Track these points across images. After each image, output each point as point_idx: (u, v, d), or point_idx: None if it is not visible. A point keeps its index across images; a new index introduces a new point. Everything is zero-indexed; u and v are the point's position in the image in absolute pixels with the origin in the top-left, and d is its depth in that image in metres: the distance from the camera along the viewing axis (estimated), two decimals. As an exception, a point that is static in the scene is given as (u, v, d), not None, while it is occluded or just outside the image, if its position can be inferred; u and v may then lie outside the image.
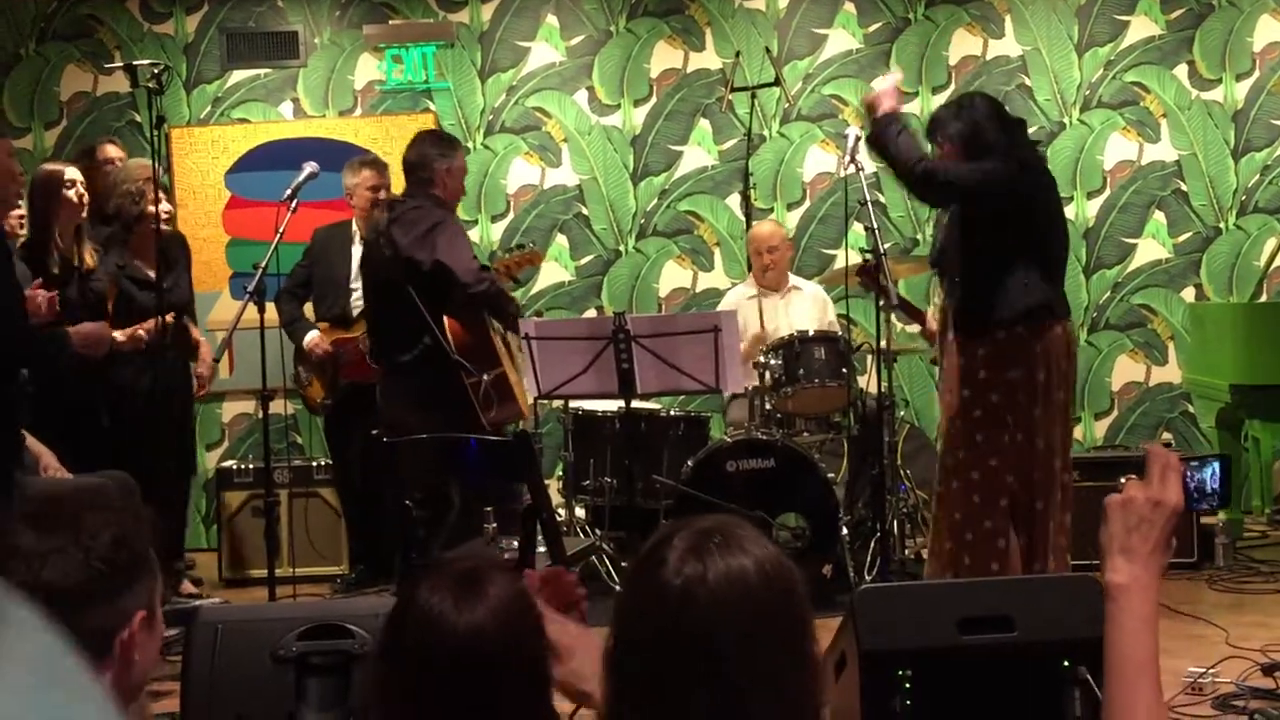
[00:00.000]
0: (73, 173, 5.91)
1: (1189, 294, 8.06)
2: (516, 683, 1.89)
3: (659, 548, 1.60)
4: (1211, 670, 4.65)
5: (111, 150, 6.90)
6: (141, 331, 5.99)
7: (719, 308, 7.24)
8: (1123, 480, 1.70)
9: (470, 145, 8.17)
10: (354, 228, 6.90)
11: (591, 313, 8.09)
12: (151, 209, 6.20)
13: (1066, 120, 8.03)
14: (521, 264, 6.37)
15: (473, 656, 1.86)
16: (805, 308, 6.97)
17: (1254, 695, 4.49)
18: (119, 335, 5.90)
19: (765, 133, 8.13)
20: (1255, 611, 5.68)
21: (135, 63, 6.05)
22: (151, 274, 6.24)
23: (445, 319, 5.66)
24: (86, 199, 5.94)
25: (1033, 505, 4.92)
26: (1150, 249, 8.09)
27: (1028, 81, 8.08)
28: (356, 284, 6.79)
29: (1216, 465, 1.90)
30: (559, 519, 5.96)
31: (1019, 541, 4.94)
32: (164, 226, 6.22)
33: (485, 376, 5.48)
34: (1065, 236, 5.17)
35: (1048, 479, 4.92)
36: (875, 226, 5.33)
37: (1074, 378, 5.08)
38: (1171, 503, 1.67)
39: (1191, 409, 7.92)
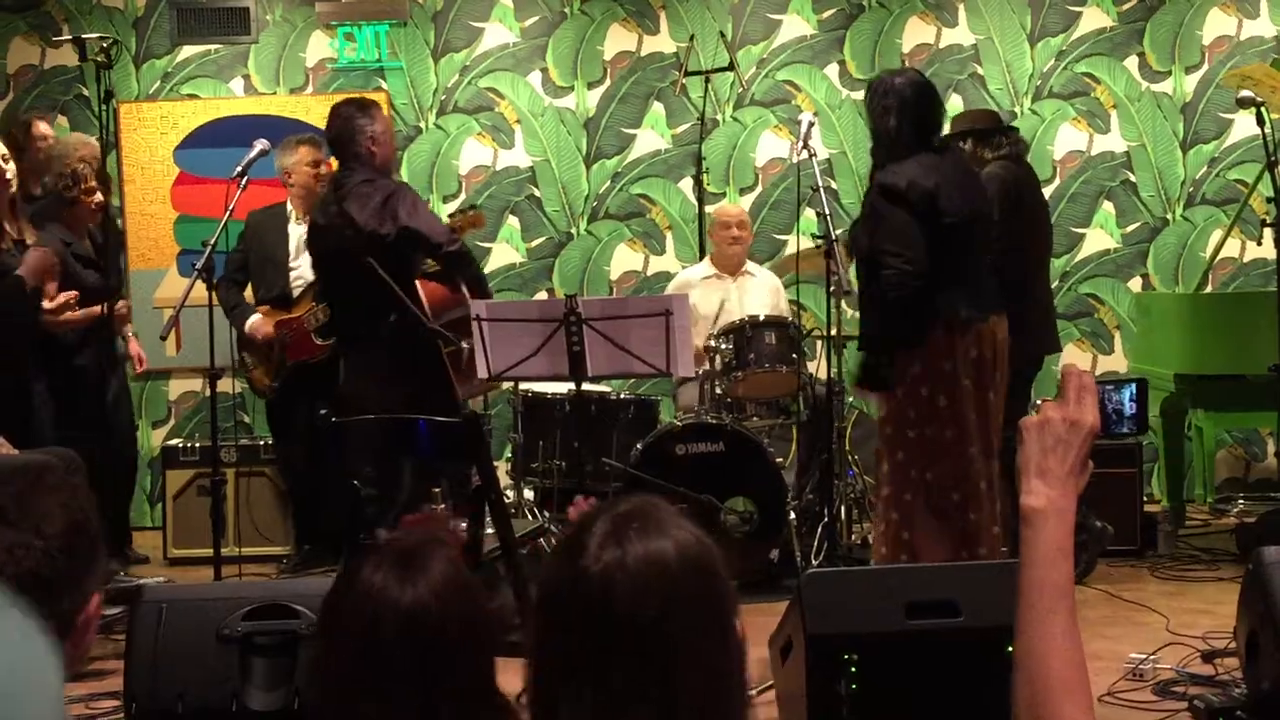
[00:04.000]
0: (1, 148, 5.82)
1: (1136, 284, 8.13)
2: (459, 659, 1.89)
3: (579, 534, 1.60)
4: (1152, 656, 4.70)
5: (42, 127, 6.82)
6: (95, 310, 5.95)
7: (670, 288, 7.24)
8: (1038, 402, 1.69)
9: (422, 125, 8.13)
10: (289, 208, 6.85)
11: (543, 295, 8.07)
12: (93, 195, 6.14)
13: (1018, 110, 8.07)
14: (465, 226, 6.35)
15: (415, 632, 1.86)
16: (758, 293, 6.97)
17: (1194, 681, 4.54)
18: (69, 312, 5.85)
19: (719, 117, 8.12)
20: (1196, 599, 5.74)
21: (83, 36, 5.99)
22: (91, 253, 6.20)
23: (420, 286, 5.65)
24: (12, 173, 5.82)
25: (958, 499, 4.99)
26: (1098, 239, 8.15)
27: (980, 70, 8.12)
28: (296, 264, 6.75)
29: (1134, 387, 1.87)
30: (507, 501, 5.96)
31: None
32: (97, 211, 6.19)
33: (464, 345, 5.44)
34: (972, 233, 5.15)
35: (972, 472, 4.98)
36: (828, 212, 5.35)
37: (1000, 372, 5.11)
38: (1088, 423, 1.63)
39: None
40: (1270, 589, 4.12)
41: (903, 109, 5.03)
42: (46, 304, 5.73)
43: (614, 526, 1.59)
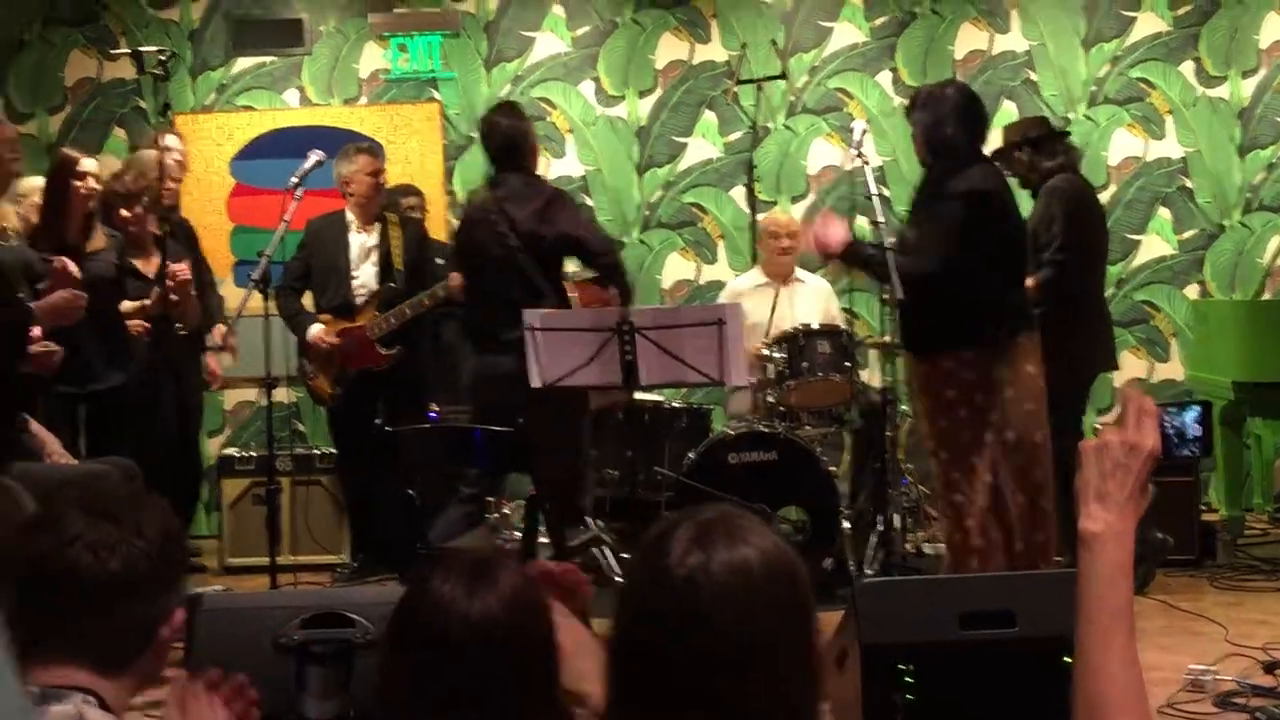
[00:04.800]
0: (89, 164, 5.87)
1: (1193, 291, 8.06)
2: (527, 671, 1.90)
3: (663, 539, 1.61)
4: (1212, 668, 4.65)
5: (169, 140, 6.75)
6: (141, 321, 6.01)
7: (721, 297, 7.24)
8: (1097, 425, 1.68)
9: (475, 135, 8.15)
10: (349, 216, 6.86)
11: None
12: (125, 208, 6.16)
13: (1072, 116, 8.02)
14: None
15: (484, 644, 1.86)
16: (810, 300, 6.96)
17: (1255, 693, 4.49)
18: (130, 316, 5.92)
19: (770, 125, 8.12)
20: (1256, 609, 5.67)
21: (141, 49, 6.05)
22: (141, 266, 6.24)
23: (573, 292, 5.68)
24: (97, 189, 5.87)
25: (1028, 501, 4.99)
26: (1155, 245, 8.08)
27: (1033, 77, 8.07)
28: (358, 273, 6.78)
29: (1198, 410, 1.84)
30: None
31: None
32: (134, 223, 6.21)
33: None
34: (1024, 245, 5.28)
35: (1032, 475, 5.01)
36: (880, 220, 5.32)
37: (1041, 384, 5.12)
38: (1147, 446, 1.62)
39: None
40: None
41: (958, 117, 5.07)
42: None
43: (698, 533, 1.59)
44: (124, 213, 6.12)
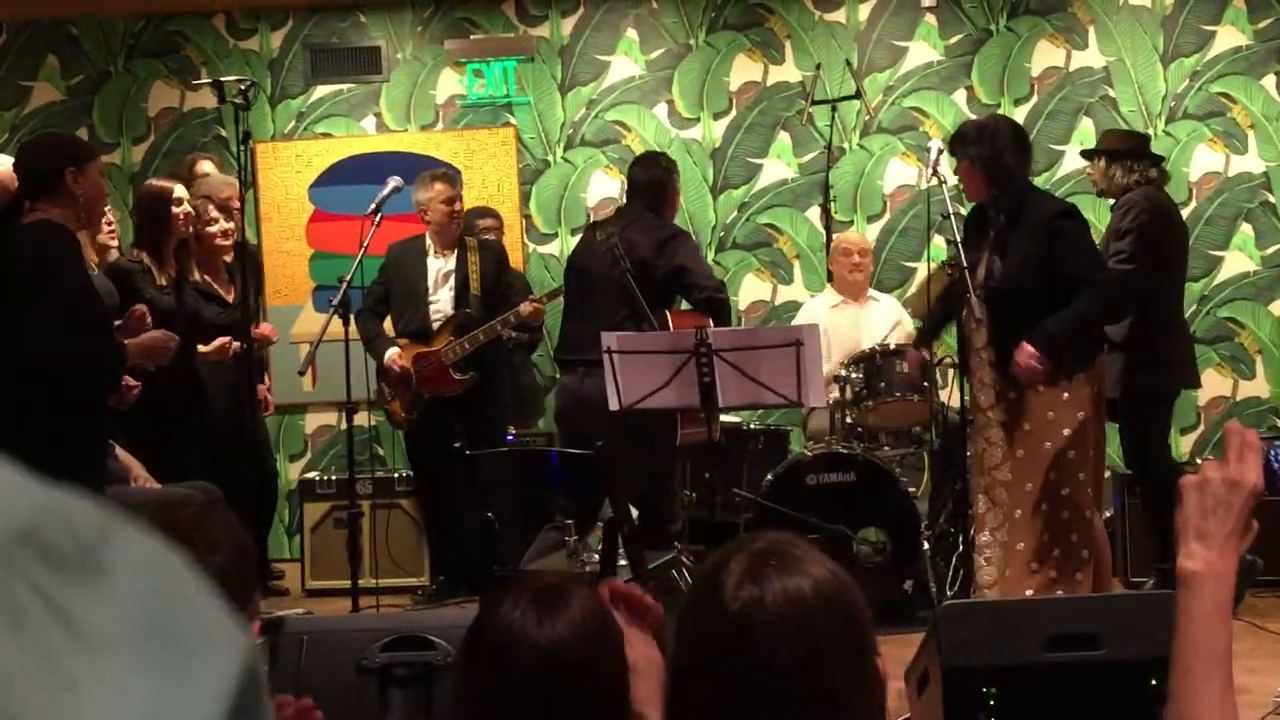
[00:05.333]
0: (180, 190, 5.99)
1: (1277, 307, 7.94)
2: (597, 698, 1.90)
3: (715, 572, 1.59)
4: (1302, 690, 4.58)
5: (205, 166, 6.99)
6: (225, 345, 6.10)
7: (797, 318, 7.23)
8: (1199, 461, 1.65)
9: (550, 159, 8.21)
10: (428, 242, 6.92)
11: (671, 326, 8.09)
12: (210, 229, 6.28)
13: (1152, 132, 7.93)
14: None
15: (553, 671, 1.86)
16: (881, 320, 6.95)
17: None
18: (203, 348, 6.01)
19: (845, 145, 8.10)
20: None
21: (222, 79, 6.14)
22: (220, 290, 6.34)
23: (672, 319, 5.81)
24: (186, 213, 6.01)
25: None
26: (1237, 261, 7.97)
27: (1111, 93, 8.00)
28: (435, 298, 6.83)
29: None
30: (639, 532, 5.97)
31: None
32: (223, 242, 6.30)
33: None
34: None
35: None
36: (957, 239, 5.31)
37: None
38: (1250, 483, 1.57)
39: (1279, 424, 7.79)
40: None
41: (1016, 147, 5.28)
42: (202, 348, 5.89)
43: (751, 564, 1.56)
44: (209, 230, 6.24)
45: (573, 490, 5.18)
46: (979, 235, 5.33)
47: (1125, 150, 6.22)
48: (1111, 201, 6.21)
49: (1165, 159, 6.62)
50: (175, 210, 5.87)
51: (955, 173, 5.39)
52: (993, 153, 5.19)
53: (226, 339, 6.08)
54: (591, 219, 8.18)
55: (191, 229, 6.11)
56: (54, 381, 4.52)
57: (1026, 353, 5.05)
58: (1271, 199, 7.94)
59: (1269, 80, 7.94)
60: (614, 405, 5.34)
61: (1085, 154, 6.49)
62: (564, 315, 6.31)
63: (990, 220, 5.30)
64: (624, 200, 6.11)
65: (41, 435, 4.42)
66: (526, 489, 5.45)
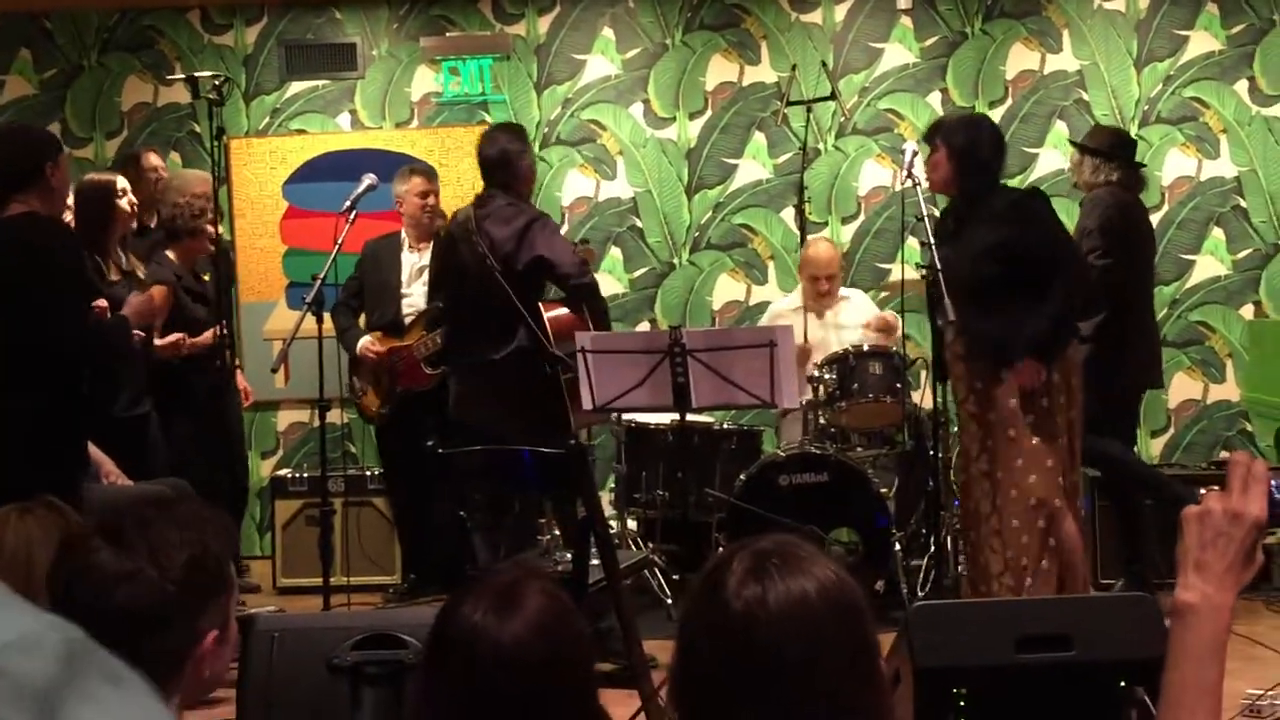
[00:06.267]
0: (123, 182, 5.97)
1: (1248, 311, 7.98)
2: (559, 695, 1.89)
3: (718, 571, 1.58)
4: (1270, 692, 4.60)
5: (154, 159, 6.98)
6: (202, 339, 6.11)
7: (764, 318, 7.23)
8: (1202, 492, 1.62)
9: (526, 157, 8.19)
10: (403, 236, 6.93)
11: (645, 325, 8.10)
12: (210, 228, 6.29)
13: (1125, 135, 7.96)
14: None
15: (514, 669, 1.86)
16: (852, 314, 6.95)
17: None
18: (174, 338, 6.02)
19: (820, 146, 8.11)
20: (1314, 633, 5.60)
21: (196, 74, 6.12)
22: (198, 285, 6.34)
23: (546, 313, 5.68)
24: (130, 206, 5.99)
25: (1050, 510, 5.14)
26: (1209, 265, 8.01)
27: (1085, 96, 8.03)
28: (408, 291, 6.83)
29: None
30: (611, 531, 5.97)
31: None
32: (209, 244, 6.31)
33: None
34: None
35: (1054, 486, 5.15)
36: (931, 242, 5.33)
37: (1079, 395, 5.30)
38: (1252, 516, 1.54)
39: (1250, 427, 7.83)
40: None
41: (994, 143, 5.34)
42: (156, 341, 5.86)
43: (755, 564, 1.56)
44: (210, 229, 6.25)
45: (545, 489, 5.18)
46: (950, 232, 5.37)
47: (1098, 149, 6.26)
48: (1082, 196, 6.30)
49: (1144, 164, 6.65)
50: (119, 202, 5.84)
51: (926, 162, 5.40)
52: (969, 144, 5.24)
53: (204, 336, 6.09)
54: (565, 218, 8.18)
55: (136, 223, 6.09)
56: (57, 370, 4.60)
57: (1026, 368, 5.11)
58: (1243, 204, 7.98)
59: (1241, 85, 7.98)
60: (587, 405, 5.34)
61: (1072, 143, 6.63)
62: (447, 314, 6.24)
63: (952, 215, 5.36)
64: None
65: (41, 424, 4.50)
66: (499, 487, 5.45)
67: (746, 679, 1.51)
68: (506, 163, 5.79)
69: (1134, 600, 4.03)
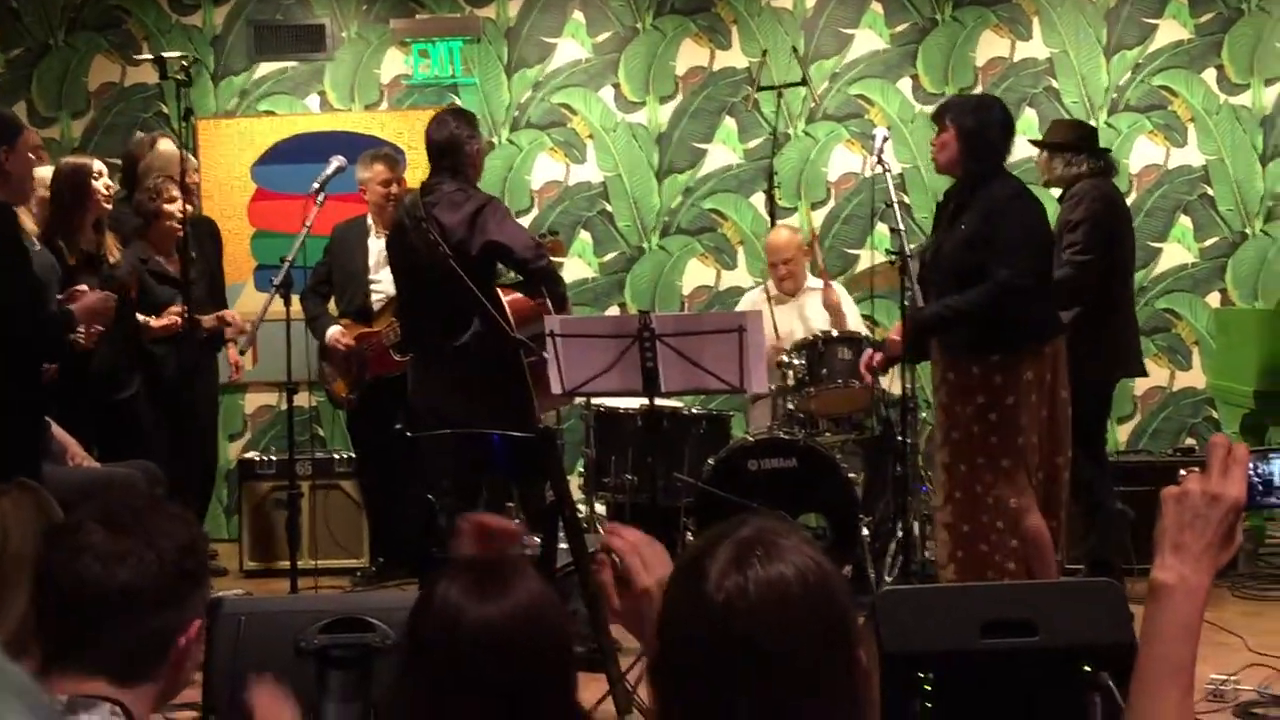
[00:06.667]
0: (99, 165, 5.94)
1: (1214, 299, 8.03)
2: (539, 677, 1.89)
3: (699, 560, 1.57)
4: (1233, 677, 4.64)
5: (166, 144, 6.84)
6: (168, 321, 6.08)
7: (737, 308, 7.23)
8: (1182, 474, 1.61)
9: (495, 141, 8.18)
10: (369, 221, 6.90)
11: (614, 310, 8.09)
12: (169, 206, 6.25)
13: (1094, 123, 7.99)
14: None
15: (496, 651, 1.86)
16: (819, 305, 6.95)
17: (1275, 703, 4.48)
18: (151, 321, 6.00)
19: (790, 132, 8.12)
20: (1276, 619, 5.65)
21: (164, 54, 6.08)
22: (171, 269, 6.31)
23: (506, 299, 5.64)
24: (113, 191, 5.97)
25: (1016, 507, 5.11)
26: (1176, 253, 8.06)
27: (1055, 84, 8.06)
28: (376, 277, 6.80)
29: None
30: (580, 515, 5.97)
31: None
32: (176, 223, 6.25)
33: (546, 356, 5.39)
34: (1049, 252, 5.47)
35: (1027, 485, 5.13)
36: (901, 228, 5.33)
37: (1059, 393, 5.23)
38: (1230, 497, 1.55)
39: (1215, 415, 7.89)
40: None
41: (1001, 125, 5.24)
42: (152, 323, 5.86)
43: (737, 553, 1.54)
44: (168, 207, 6.20)
45: (513, 473, 5.17)
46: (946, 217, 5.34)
47: (1065, 143, 6.26)
48: (1058, 192, 6.26)
49: (1110, 150, 6.67)
50: (94, 184, 5.81)
51: (933, 141, 5.33)
52: (980, 125, 5.18)
53: (176, 311, 6.05)
54: (534, 202, 8.16)
55: (111, 205, 6.05)
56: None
57: (894, 329, 5.13)
58: (1210, 192, 8.03)
59: (1209, 74, 8.02)
60: (556, 389, 5.33)
61: (1033, 143, 6.56)
62: (402, 303, 6.20)
63: (953, 198, 5.30)
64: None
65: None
66: (468, 471, 5.44)
67: (726, 667, 1.50)
68: (455, 148, 5.71)
69: (1100, 586, 4.06)
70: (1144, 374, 6.59)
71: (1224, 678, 4.62)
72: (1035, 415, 5.09)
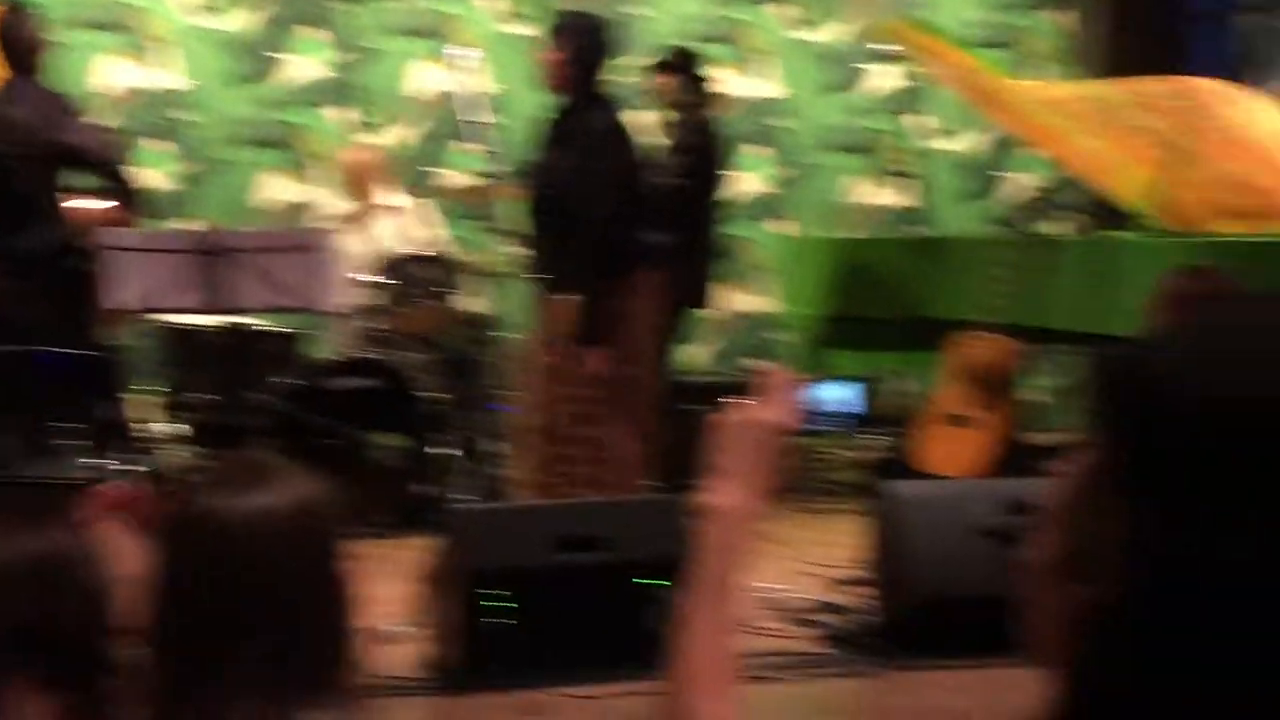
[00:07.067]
0: None
1: (781, 227, 8.35)
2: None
3: (194, 486, 1.72)
4: (784, 587, 4.85)
5: None
6: None
7: (313, 225, 7.09)
8: (723, 401, 1.68)
9: (57, 39, 7.66)
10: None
11: (188, 225, 7.76)
12: None
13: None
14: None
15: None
16: (403, 221, 6.90)
17: (826, 609, 4.74)
18: None
19: (374, 46, 7.95)
20: (825, 530, 5.89)
21: None
22: None
23: (75, 201, 5.30)
24: None
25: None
26: (745, 182, 8.32)
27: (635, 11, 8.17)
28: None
29: (862, 386, 1.81)
30: (159, 436, 5.78)
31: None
32: None
33: (110, 267, 5.09)
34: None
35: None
36: (487, 148, 5.33)
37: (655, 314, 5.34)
38: (772, 421, 1.62)
39: (784, 339, 8.23)
40: (894, 521, 4.40)
41: (602, 49, 5.19)
42: None
43: (225, 477, 1.69)
44: None
45: (68, 390, 4.92)
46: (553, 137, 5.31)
47: (686, 68, 6.45)
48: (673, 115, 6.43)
49: (711, 78, 6.82)
50: None
51: (543, 60, 5.27)
52: (579, 48, 5.14)
53: None
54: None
55: None
56: None
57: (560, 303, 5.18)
58: (781, 124, 8.35)
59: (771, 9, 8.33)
60: (116, 304, 5.07)
61: (656, 66, 6.59)
62: None
63: (559, 122, 5.29)
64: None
65: None
66: (17, 391, 5.13)
67: (220, 594, 1.61)
68: (15, 40, 5.42)
69: (662, 502, 4.23)
70: (706, 305, 6.83)
71: (774, 587, 4.77)
72: (630, 341, 5.17)
